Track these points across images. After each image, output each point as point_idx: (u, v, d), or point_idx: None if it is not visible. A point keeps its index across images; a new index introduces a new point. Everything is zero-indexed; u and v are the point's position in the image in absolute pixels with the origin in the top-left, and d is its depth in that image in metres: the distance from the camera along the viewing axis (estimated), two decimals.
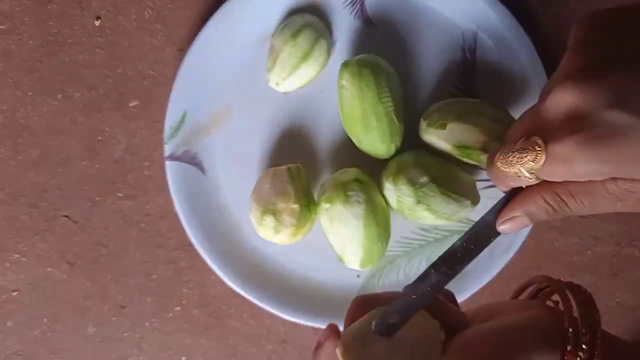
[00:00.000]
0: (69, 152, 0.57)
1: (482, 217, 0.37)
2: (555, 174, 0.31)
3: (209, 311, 0.58)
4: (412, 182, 0.49)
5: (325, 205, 0.50)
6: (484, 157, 0.49)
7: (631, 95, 0.27)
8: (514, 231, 0.36)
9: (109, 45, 0.56)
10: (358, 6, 0.55)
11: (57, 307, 0.58)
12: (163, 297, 0.58)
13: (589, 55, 0.30)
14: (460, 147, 0.49)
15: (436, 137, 0.50)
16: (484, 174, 0.55)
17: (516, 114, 0.51)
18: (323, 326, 0.54)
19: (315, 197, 0.53)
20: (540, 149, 0.30)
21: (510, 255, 0.54)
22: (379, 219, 0.50)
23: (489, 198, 0.54)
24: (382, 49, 0.54)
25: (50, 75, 0.57)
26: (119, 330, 0.58)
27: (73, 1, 0.56)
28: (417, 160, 0.50)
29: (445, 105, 0.51)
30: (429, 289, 0.35)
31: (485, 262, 0.54)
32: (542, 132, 0.31)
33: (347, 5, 0.55)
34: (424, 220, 0.51)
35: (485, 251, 0.54)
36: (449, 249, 0.36)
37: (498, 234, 0.37)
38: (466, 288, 0.54)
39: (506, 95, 0.54)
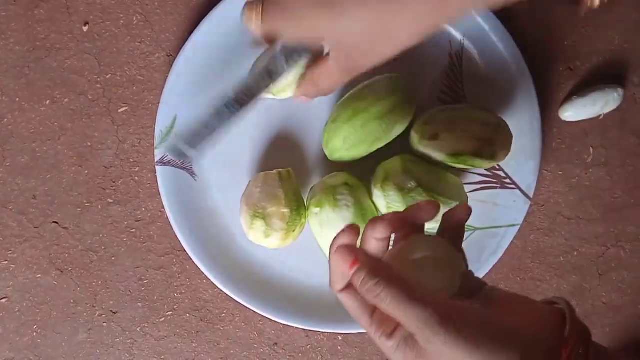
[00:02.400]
0: (58, 158, 0.57)
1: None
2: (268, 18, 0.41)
3: (200, 315, 0.58)
4: (400, 188, 0.49)
5: (314, 210, 0.51)
6: (478, 162, 0.50)
7: None
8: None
9: (98, 51, 0.56)
10: None
11: (47, 314, 0.58)
12: (154, 302, 0.58)
13: None
14: (454, 155, 0.50)
15: (429, 149, 0.51)
16: (472, 177, 0.55)
17: (504, 116, 0.52)
18: (314, 329, 0.55)
19: (305, 201, 0.53)
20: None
21: (498, 257, 0.54)
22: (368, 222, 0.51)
23: (476, 200, 0.55)
24: None
25: (38, 81, 0.56)
26: (110, 336, 0.58)
27: (61, 6, 0.56)
28: (404, 165, 0.51)
29: (434, 115, 0.51)
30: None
31: (473, 263, 0.54)
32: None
33: None
34: None
35: (474, 254, 0.54)
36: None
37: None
38: None
39: (493, 98, 0.55)
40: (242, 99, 0.41)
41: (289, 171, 0.53)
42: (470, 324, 0.31)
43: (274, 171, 0.52)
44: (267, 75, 0.41)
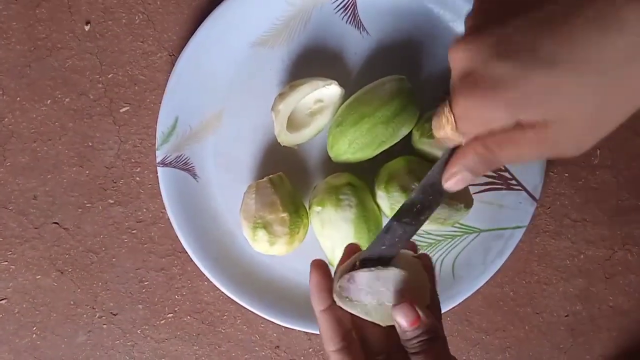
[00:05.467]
0: (59, 158, 0.56)
1: (431, 171, 0.38)
2: (468, 129, 0.34)
3: (201, 318, 0.57)
4: (404, 189, 0.49)
5: (316, 208, 0.50)
6: None
7: (508, 46, 0.30)
8: (459, 187, 0.37)
9: (99, 50, 0.56)
10: (350, 11, 0.54)
11: (47, 315, 0.57)
12: (155, 304, 0.57)
13: (478, 16, 0.33)
14: None
15: (429, 146, 0.50)
16: (478, 178, 0.55)
17: None
18: (316, 332, 0.54)
19: (308, 202, 0.53)
20: (448, 112, 0.34)
21: (503, 259, 0.54)
22: (370, 223, 0.50)
23: (482, 201, 0.54)
24: (374, 54, 0.54)
25: (39, 81, 0.56)
26: (110, 338, 0.57)
27: (62, 5, 0.56)
28: (408, 166, 0.50)
29: None
30: (396, 239, 0.37)
31: (478, 266, 0.54)
32: (451, 96, 0.34)
33: (339, 10, 0.54)
34: None
35: (479, 256, 0.54)
36: (406, 202, 0.38)
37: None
38: (460, 292, 0.54)
39: None
40: (411, 216, 0.37)
41: (280, 175, 0.52)
42: None
43: (265, 179, 0.51)
44: (433, 195, 0.37)
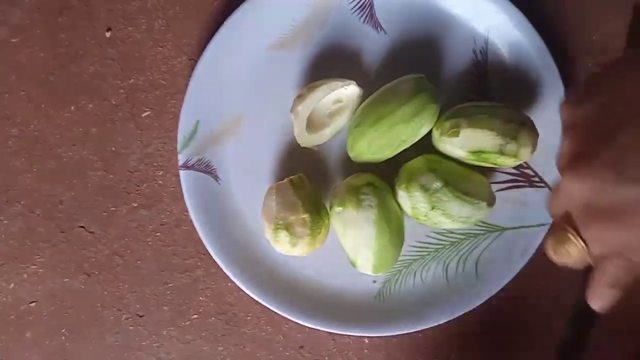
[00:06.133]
0: (84, 163, 0.57)
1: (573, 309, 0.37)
2: (602, 251, 0.33)
3: (225, 318, 0.58)
4: (426, 188, 0.49)
5: (337, 209, 0.50)
6: (500, 160, 0.49)
7: (623, 166, 0.30)
8: (610, 305, 0.35)
9: (120, 56, 0.57)
10: (367, 11, 0.54)
11: (75, 318, 0.58)
12: (180, 305, 0.58)
13: (580, 136, 0.33)
14: (476, 152, 0.49)
15: (450, 146, 0.50)
16: (499, 176, 0.54)
17: (531, 113, 0.51)
18: (340, 332, 0.54)
19: (329, 202, 0.53)
20: (574, 238, 0.34)
21: (528, 257, 0.53)
22: (392, 224, 0.50)
23: (505, 200, 0.54)
24: (392, 54, 0.54)
25: (63, 87, 0.57)
26: (137, 339, 0.58)
27: (83, 13, 0.57)
28: (429, 165, 0.50)
29: (456, 111, 0.50)
30: None
31: (502, 265, 0.53)
32: (570, 222, 0.34)
33: (356, 10, 0.54)
34: (441, 225, 0.51)
35: (503, 254, 0.53)
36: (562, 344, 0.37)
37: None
38: (484, 291, 0.53)
39: (520, 97, 0.53)
40: None
41: (300, 177, 0.52)
42: None
43: (285, 180, 0.52)
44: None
